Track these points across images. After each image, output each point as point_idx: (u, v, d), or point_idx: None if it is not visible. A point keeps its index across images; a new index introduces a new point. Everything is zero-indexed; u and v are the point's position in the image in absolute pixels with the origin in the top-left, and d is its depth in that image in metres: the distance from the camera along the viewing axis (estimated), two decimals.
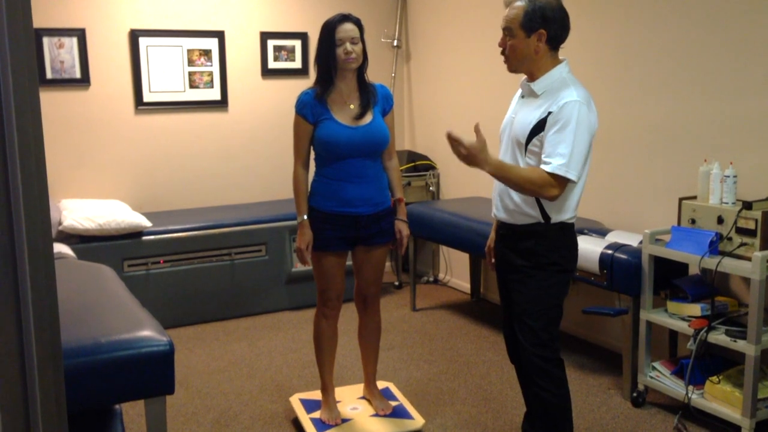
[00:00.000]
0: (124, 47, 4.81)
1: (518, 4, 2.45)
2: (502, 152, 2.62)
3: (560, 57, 2.54)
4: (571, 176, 2.36)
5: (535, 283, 2.53)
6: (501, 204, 2.60)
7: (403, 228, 3.11)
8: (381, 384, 3.42)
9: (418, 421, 3.11)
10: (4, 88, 1.03)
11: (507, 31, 2.47)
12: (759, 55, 3.20)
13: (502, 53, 2.53)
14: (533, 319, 2.54)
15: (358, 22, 2.92)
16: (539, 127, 2.44)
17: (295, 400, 3.34)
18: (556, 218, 2.50)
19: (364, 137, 2.93)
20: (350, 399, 3.34)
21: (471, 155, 2.34)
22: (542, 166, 2.40)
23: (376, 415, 3.17)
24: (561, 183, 2.38)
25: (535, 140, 2.45)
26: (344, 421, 3.12)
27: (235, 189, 5.27)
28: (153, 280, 4.43)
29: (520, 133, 2.49)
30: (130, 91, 4.86)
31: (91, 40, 4.69)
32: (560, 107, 2.39)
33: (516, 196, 2.52)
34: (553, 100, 2.43)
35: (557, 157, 2.36)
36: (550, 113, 2.41)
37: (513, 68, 2.54)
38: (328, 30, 2.89)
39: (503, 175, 2.41)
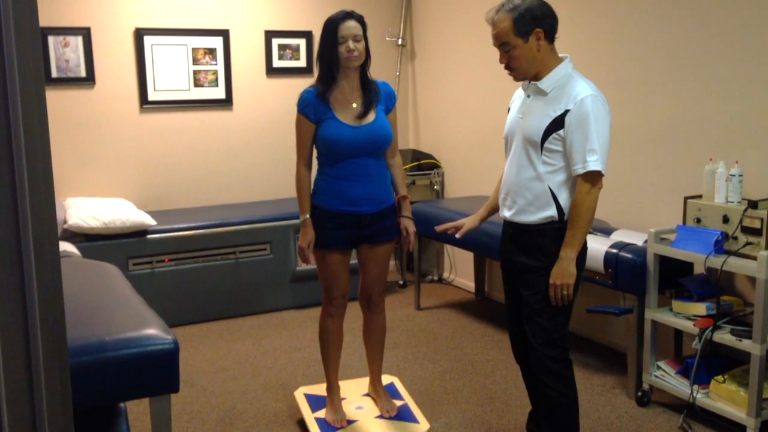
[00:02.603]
0: (129, 46, 4.82)
1: (502, 16, 2.46)
2: (512, 155, 2.61)
3: (561, 54, 2.55)
4: (603, 170, 2.44)
5: (549, 282, 2.53)
6: (513, 203, 2.59)
7: (409, 225, 3.10)
8: (386, 379, 3.41)
9: (423, 425, 3.10)
10: (10, 87, 1.03)
11: (504, 46, 2.48)
12: (765, 54, 3.19)
13: (507, 68, 2.53)
14: (546, 318, 2.54)
15: (361, 20, 2.90)
16: (555, 125, 2.45)
17: (299, 395, 3.34)
18: (567, 216, 2.52)
19: (367, 137, 2.91)
20: (355, 396, 3.34)
21: (565, 281, 2.47)
22: (577, 169, 2.44)
23: (381, 416, 3.16)
24: (597, 178, 2.45)
25: (552, 138, 2.46)
26: (349, 422, 3.12)
27: (240, 188, 5.28)
28: (158, 279, 4.44)
29: (533, 133, 2.49)
30: (135, 89, 4.87)
31: (96, 38, 4.70)
32: (578, 104, 2.42)
33: (530, 192, 2.53)
34: (568, 97, 2.45)
35: (590, 154, 2.41)
36: (567, 111, 2.43)
37: (521, 76, 2.54)
38: (331, 27, 2.86)
39: (580, 238, 2.48)
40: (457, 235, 2.90)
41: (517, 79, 2.56)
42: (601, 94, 2.48)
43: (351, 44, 2.84)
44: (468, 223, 2.90)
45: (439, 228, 2.95)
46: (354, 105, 2.93)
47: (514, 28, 2.43)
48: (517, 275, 2.64)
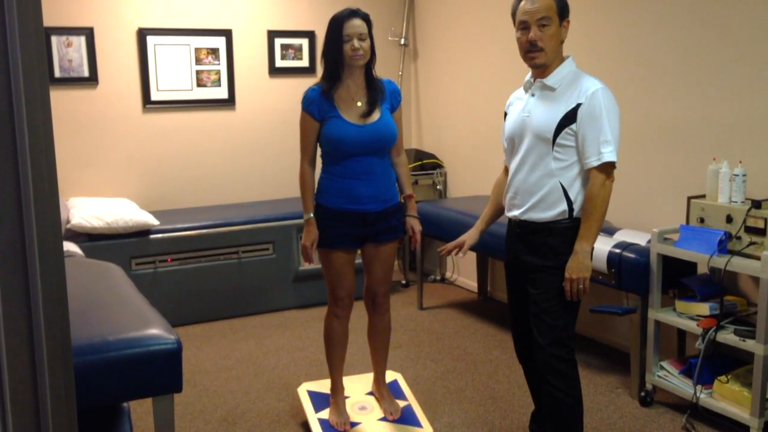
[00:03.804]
0: (132, 46, 4.82)
1: None
2: (521, 155, 2.59)
3: (564, 54, 2.56)
4: (617, 161, 2.45)
5: (558, 281, 2.52)
6: (524, 202, 2.59)
7: (415, 224, 3.10)
8: (389, 375, 3.40)
9: (427, 430, 3.08)
10: (15, 87, 1.03)
11: (543, 20, 2.44)
12: None
13: (533, 48, 2.47)
14: (554, 317, 2.54)
15: (366, 18, 2.88)
16: (567, 119, 2.45)
17: (302, 392, 3.34)
18: (577, 212, 2.52)
19: (372, 136, 2.90)
20: (359, 393, 3.34)
21: (582, 274, 2.46)
22: (592, 161, 2.44)
23: (384, 419, 3.16)
24: (611, 170, 2.46)
25: (564, 134, 2.46)
26: (352, 425, 3.11)
27: (243, 187, 5.28)
28: (161, 279, 4.44)
29: (545, 129, 2.49)
30: (138, 89, 4.88)
31: (99, 38, 4.71)
32: (589, 97, 2.43)
33: (542, 190, 2.53)
34: (579, 91, 2.45)
35: (604, 145, 2.42)
36: (579, 104, 2.43)
37: (543, 61, 2.49)
38: (336, 25, 2.85)
39: (595, 230, 2.47)
40: (461, 254, 2.88)
41: (536, 64, 2.50)
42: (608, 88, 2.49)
43: (356, 43, 2.83)
44: (468, 239, 2.88)
45: (442, 251, 2.90)
46: (359, 104, 2.92)
47: (557, 7, 2.45)
48: (525, 274, 2.64)
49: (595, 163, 2.44)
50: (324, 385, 3.34)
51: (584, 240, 2.47)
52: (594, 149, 2.43)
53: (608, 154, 2.42)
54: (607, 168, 2.45)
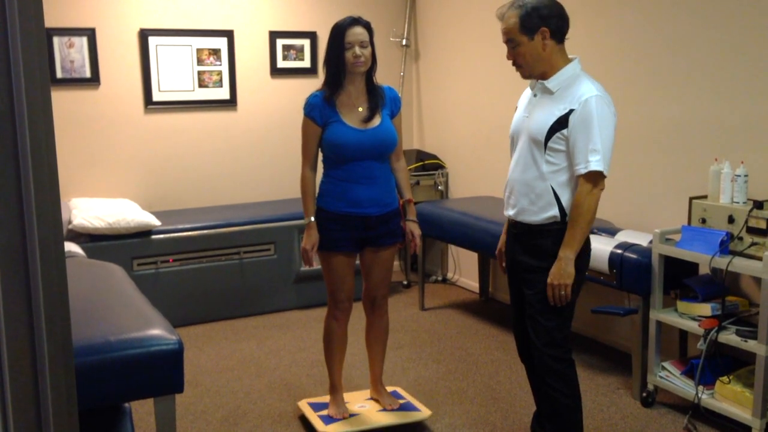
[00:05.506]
0: (134, 47, 4.82)
1: (510, 13, 2.49)
2: (517, 154, 2.61)
3: (571, 56, 2.55)
4: (606, 170, 2.43)
5: (547, 283, 2.52)
6: (517, 202, 2.60)
7: (414, 228, 3.13)
8: (389, 388, 3.42)
9: (425, 412, 3.14)
10: (16, 87, 1.04)
11: (510, 42, 2.50)
12: None
13: (514, 64, 2.55)
14: (548, 318, 2.54)
15: (367, 26, 2.94)
16: (559, 124, 2.45)
17: (303, 405, 3.33)
18: (569, 217, 2.51)
19: (373, 140, 2.94)
20: (359, 400, 3.34)
21: (563, 281, 2.46)
22: (579, 169, 2.44)
23: (384, 410, 3.19)
24: (599, 179, 2.45)
25: (555, 138, 2.47)
26: (352, 415, 3.14)
27: (244, 188, 5.28)
28: (162, 279, 4.45)
29: (537, 132, 2.50)
30: (140, 90, 4.88)
31: (101, 39, 4.71)
32: (582, 104, 2.42)
33: (533, 192, 2.53)
34: (572, 97, 2.45)
35: (592, 154, 2.41)
36: (572, 110, 2.43)
37: (528, 74, 2.56)
38: (338, 33, 2.90)
39: (579, 238, 2.46)
40: (505, 264, 2.83)
41: (524, 76, 2.58)
42: (607, 95, 2.47)
43: (357, 50, 2.87)
44: (504, 247, 2.84)
45: (504, 268, 2.84)
46: (360, 109, 2.96)
47: (520, 25, 2.46)
48: (520, 275, 2.64)
49: (583, 171, 2.44)
50: (325, 399, 3.34)
51: (567, 247, 2.47)
52: (582, 157, 2.43)
53: (595, 163, 2.41)
54: (595, 177, 2.43)
